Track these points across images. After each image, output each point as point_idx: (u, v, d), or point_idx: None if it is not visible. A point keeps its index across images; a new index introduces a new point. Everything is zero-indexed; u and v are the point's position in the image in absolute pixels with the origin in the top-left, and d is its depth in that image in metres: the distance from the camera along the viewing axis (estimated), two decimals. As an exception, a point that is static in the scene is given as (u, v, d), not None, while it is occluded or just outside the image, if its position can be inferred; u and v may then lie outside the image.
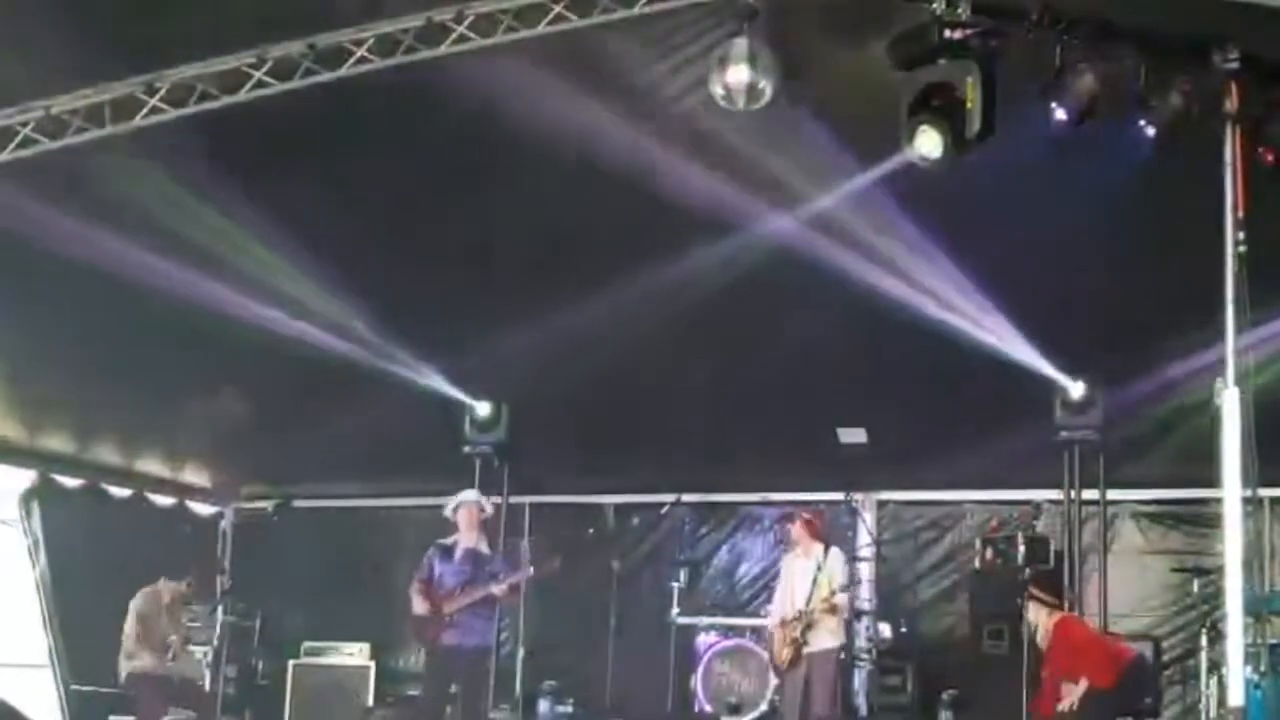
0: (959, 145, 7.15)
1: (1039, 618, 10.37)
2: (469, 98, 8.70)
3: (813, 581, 10.65)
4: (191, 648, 12.20)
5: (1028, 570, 11.16)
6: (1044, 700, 10.16)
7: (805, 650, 10.65)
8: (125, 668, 11.41)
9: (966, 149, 7.15)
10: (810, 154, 9.07)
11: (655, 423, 12.57)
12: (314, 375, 11.89)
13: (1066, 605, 10.97)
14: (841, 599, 10.73)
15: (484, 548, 10.70)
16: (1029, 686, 10.50)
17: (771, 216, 10.00)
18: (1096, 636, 10.44)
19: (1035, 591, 10.35)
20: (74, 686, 13.43)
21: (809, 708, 10.61)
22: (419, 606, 10.54)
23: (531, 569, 10.67)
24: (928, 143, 7.28)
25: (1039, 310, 10.64)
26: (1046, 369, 11.47)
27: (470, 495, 11.03)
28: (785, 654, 10.79)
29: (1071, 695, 9.91)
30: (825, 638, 10.68)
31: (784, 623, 10.86)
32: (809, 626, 10.63)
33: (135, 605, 11.52)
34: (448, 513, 10.83)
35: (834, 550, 10.99)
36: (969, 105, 7.08)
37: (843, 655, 11.22)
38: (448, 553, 10.67)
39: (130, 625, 11.47)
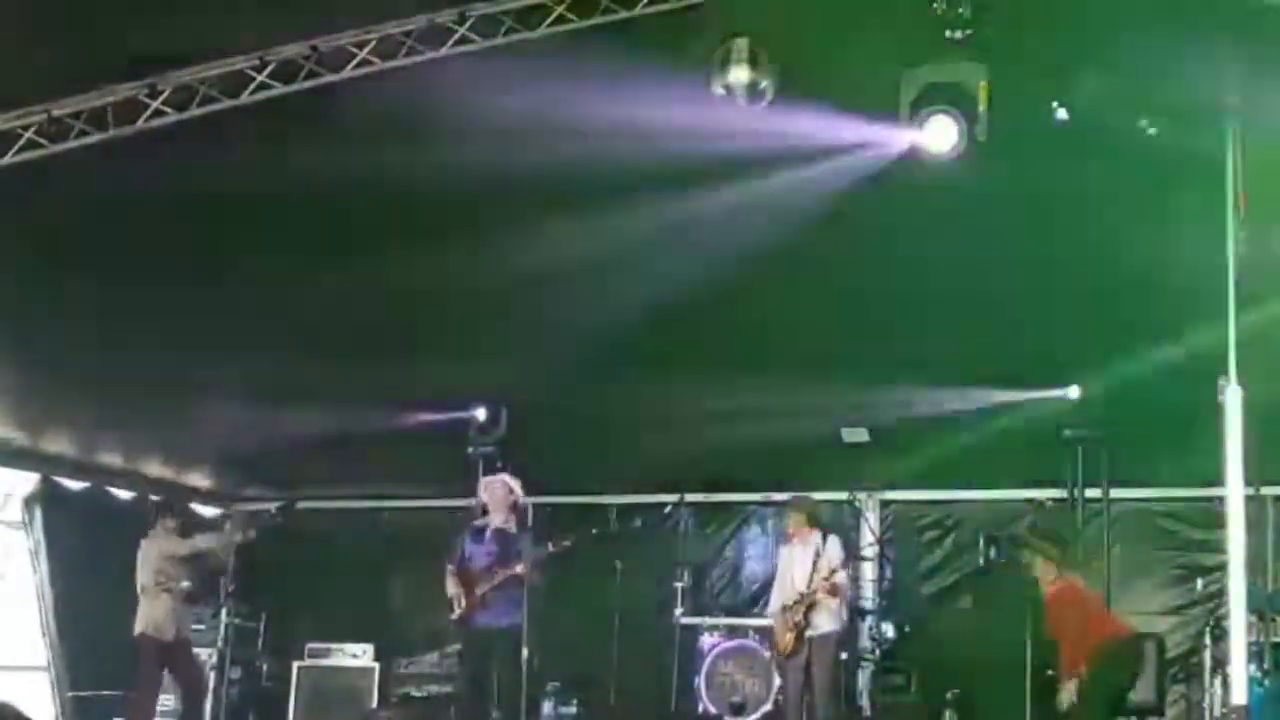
0: (969, 144, 7.17)
1: (1035, 566, 10.07)
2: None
3: (812, 565, 10.72)
4: (197, 650, 12.22)
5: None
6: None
7: (807, 634, 10.71)
8: (137, 624, 11.45)
9: (975, 149, 7.18)
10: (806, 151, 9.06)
11: (657, 423, 12.56)
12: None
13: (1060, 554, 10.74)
14: (841, 578, 10.79)
15: (512, 527, 10.78)
16: (1033, 686, 10.48)
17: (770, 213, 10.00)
18: (1089, 615, 10.22)
19: (1031, 539, 10.23)
20: (70, 693, 13.43)
21: (810, 696, 10.66)
22: (451, 588, 10.65)
23: (550, 545, 10.73)
24: (939, 137, 7.29)
25: (1041, 308, 10.65)
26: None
27: (501, 476, 11.13)
28: (788, 639, 10.84)
29: (1070, 689, 9.86)
30: (826, 620, 10.74)
31: (785, 609, 10.91)
32: (810, 608, 10.69)
33: (140, 554, 11.58)
34: (480, 493, 10.97)
35: (832, 536, 11.07)
36: (981, 107, 7.11)
37: (843, 640, 11.24)
38: (478, 534, 10.82)
39: (140, 573, 11.51)
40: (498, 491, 10.84)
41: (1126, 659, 9.82)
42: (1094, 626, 9.73)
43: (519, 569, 10.46)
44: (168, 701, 12.07)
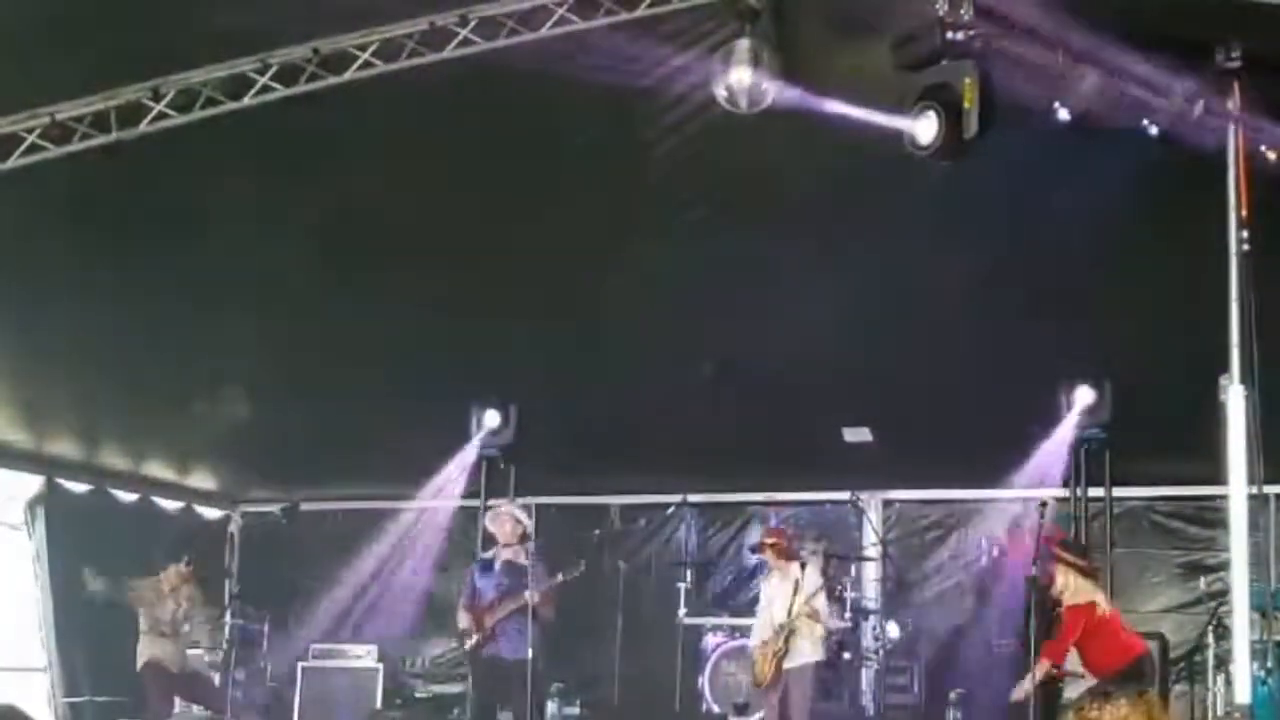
0: (957, 144, 7.17)
1: (1068, 581, 10.06)
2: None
3: (792, 594, 10.73)
4: (199, 651, 12.28)
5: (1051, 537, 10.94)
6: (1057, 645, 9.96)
7: (785, 665, 10.68)
8: (140, 658, 11.53)
9: (964, 149, 7.17)
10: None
11: (660, 423, 12.57)
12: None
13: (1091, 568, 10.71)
14: (820, 603, 10.76)
15: (522, 559, 10.74)
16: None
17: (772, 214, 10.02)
18: (1114, 627, 10.25)
19: (1061, 554, 10.19)
20: (64, 699, 13.42)
21: None
22: (463, 621, 10.71)
23: (560, 576, 10.71)
24: (924, 129, 7.31)
25: (1045, 309, 10.65)
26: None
27: (505, 506, 11.11)
28: (767, 670, 10.82)
29: (1077, 687, 9.84)
30: (805, 650, 10.72)
31: (764, 642, 10.92)
32: (791, 634, 10.67)
33: (141, 592, 11.66)
34: (487, 524, 10.98)
35: (809, 566, 11.12)
36: (966, 105, 7.11)
37: (841, 650, 11.22)
38: (487, 566, 10.83)
39: (141, 616, 11.59)
40: (506, 525, 10.83)
41: (1143, 672, 9.85)
42: (1120, 640, 9.76)
43: (528, 597, 10.46)
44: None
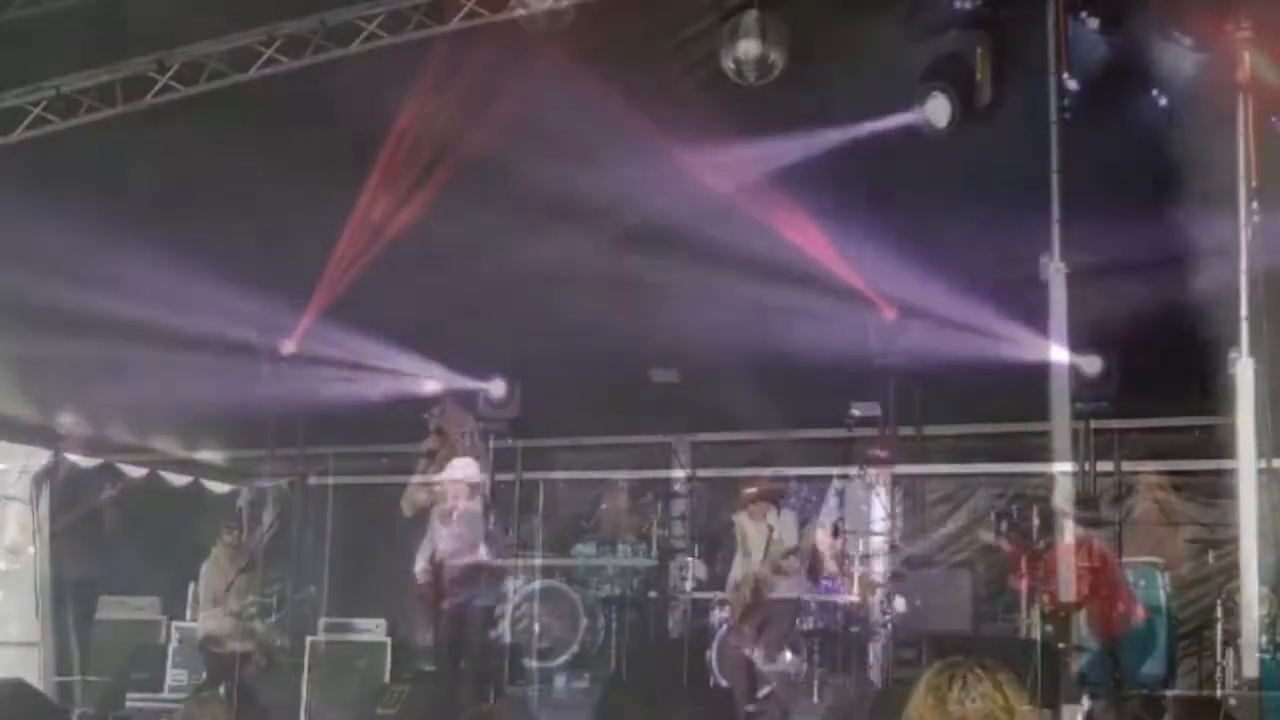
0: (969, 114, 7.16)
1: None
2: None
3: (765, 544, 10.73)
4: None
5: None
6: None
7: (768, 596, 10.69)
8: (200, 630, 11.74)
9: (977, 119, 7.15)
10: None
11: (669, 399, 12.56)
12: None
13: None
14: (791, 564, 10.74)
15: (477, 508, 10.83)
16: (1044, 658, 10.45)
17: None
18: (1117, 590, 10.24)
19: (1080, 513, 10.20)
20: (55, 678, 13.42)
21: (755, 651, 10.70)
22: (421, 575, 10.73)
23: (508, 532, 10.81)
24: (936, 110, 7.30)
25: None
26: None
27: (466, 462, 11.15)
28: (737, 614, 10.88)
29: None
30: (783, 585, 10.75)
31: (737, 586, 10.95)
32: (760, 584, 10.68)
33: (203, 573, 11.81)
34: (445, 480, 11.02)
35: (785, 510, 11.14)
36: (979, 76, 7.09)
37: (849, 623, 11.23)
38: (445, 518, 10.85)
39: (202, 590, 11.77)
40: (459, 479, 10.89)
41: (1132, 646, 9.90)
42: (1120, 603, 9.80)
43: (483, 552, 10.54)
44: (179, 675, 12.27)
